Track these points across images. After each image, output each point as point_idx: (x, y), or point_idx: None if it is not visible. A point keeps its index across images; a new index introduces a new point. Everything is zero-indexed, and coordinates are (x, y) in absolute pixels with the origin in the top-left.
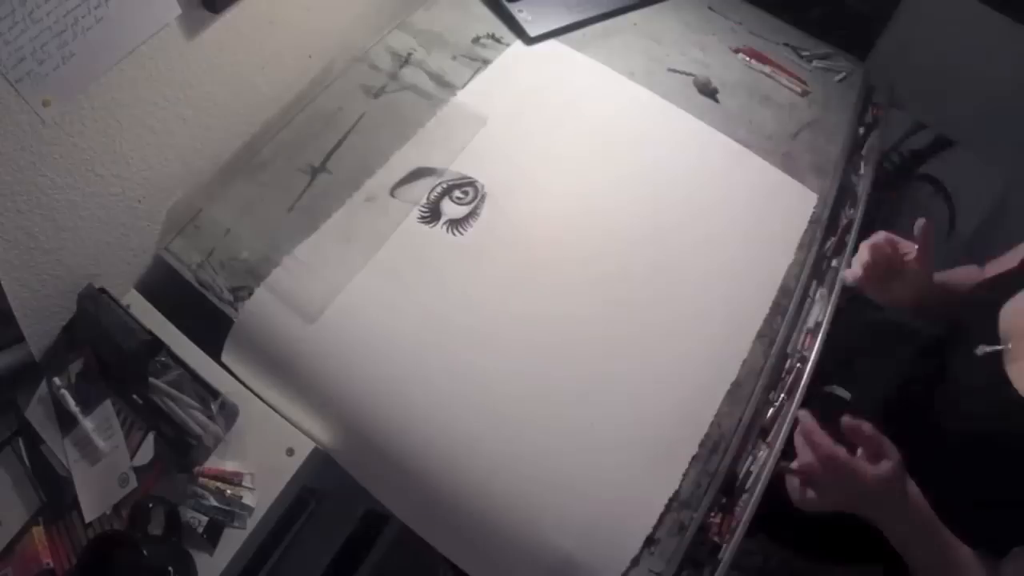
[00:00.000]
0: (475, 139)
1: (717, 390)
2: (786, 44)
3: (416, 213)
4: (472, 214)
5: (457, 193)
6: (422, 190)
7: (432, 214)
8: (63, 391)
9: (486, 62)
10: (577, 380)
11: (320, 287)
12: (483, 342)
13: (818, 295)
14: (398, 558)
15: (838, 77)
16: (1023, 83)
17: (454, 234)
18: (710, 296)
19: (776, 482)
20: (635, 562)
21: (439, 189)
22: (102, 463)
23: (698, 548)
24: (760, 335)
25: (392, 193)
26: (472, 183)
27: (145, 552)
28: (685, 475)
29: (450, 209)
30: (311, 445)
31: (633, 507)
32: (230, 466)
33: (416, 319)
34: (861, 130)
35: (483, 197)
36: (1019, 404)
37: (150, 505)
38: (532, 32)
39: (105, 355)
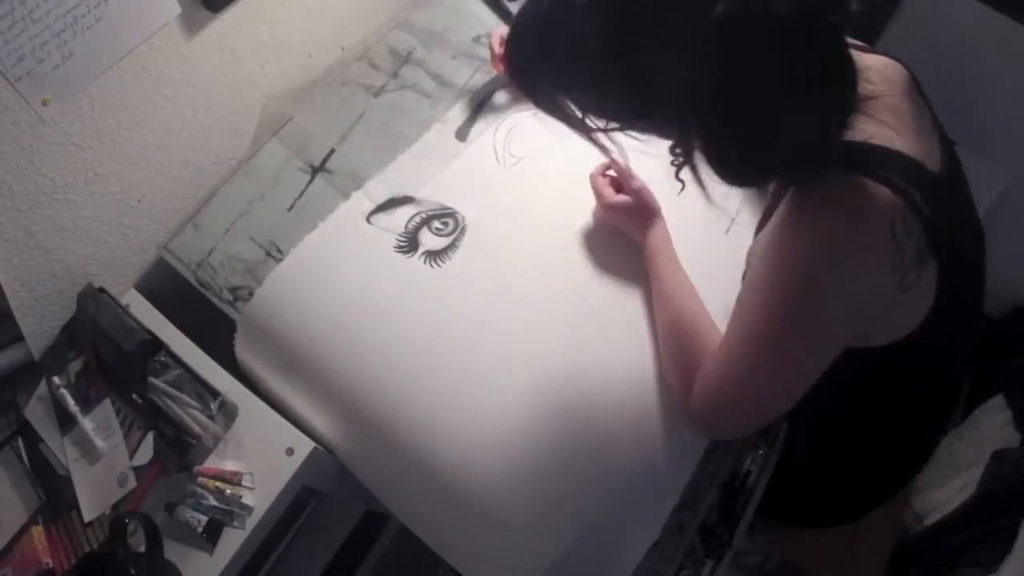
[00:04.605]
0: (457, 166)
1: None
2: None
3: (393, 242)
4: (451, 246)
5: (436, 224)
6: (400, 219)
7: (410, 244)
8: (62, 390)
9: (486, 61)
10: (572, 392)
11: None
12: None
13: None
14: (398, 558)
15: None
16: (1023, 83)
17: (432, 266)
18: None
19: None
20: (637, 570)
21: (418, 219)
22: (101, 463)
23: (698, 548)
24: None
25: (368, 220)
26: (452, 214)
27: (133, 571)
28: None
29: (429, 240)
30: (311, 445)
31: (635, 514)
32: (230, 466)
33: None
34: None
35: (463, 229)
36: None
37: (127, 521)
38: None
39: (104, 354)
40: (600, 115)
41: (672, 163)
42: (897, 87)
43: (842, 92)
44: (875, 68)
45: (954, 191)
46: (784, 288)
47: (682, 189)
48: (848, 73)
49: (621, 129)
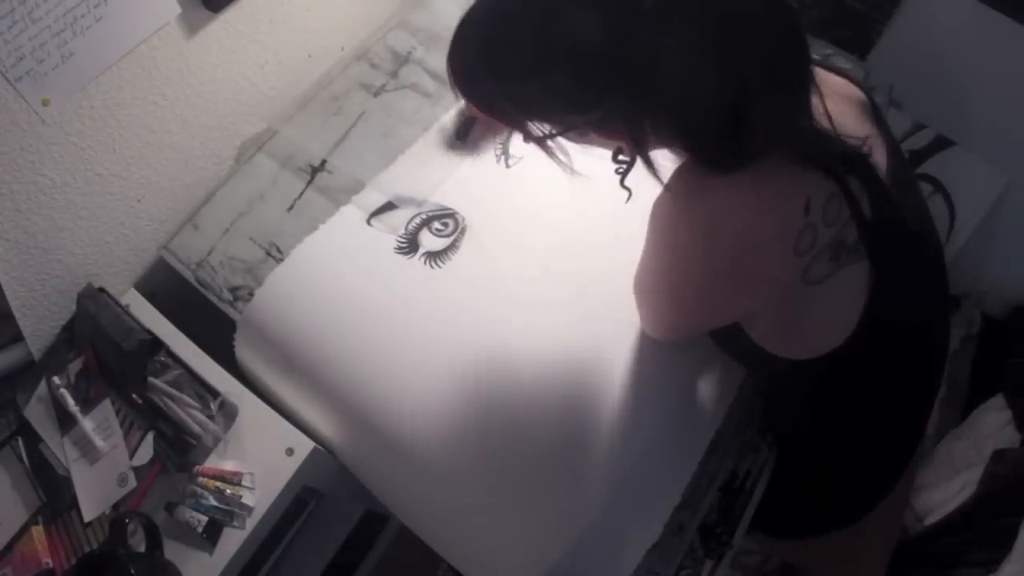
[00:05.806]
0: (457, 167)
1: (716, 402)
2: None
3: (393, 243)
4: (451, 247)
5: (436, 225)
6: (400, 220)
7: (410, 245)
8: (62, 390)
9: None
10: (574, 394)
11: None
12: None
13: None
14: (398, 558)
15: None
16: (1023, 83)
17: (432, 267)
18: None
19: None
20: (637, 570)
21: (418, 220)
22: (101, 462)
23: (698, 548)
24: None
25: (368, 222)
26: (452, 215)
27: (133, 571)
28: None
29: (429, 241)
30: (311, 445)
31: (635, 514)
32: (229, 466)
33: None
34: None
35: (463, 230)
36: None
37: (127, 521)
38: None
39: (104, 354)
40: (544, 117)
41: (616, 171)
42: (849, 103)
43: (800, 73)
44: (829, 83)
45: (900, 197)
46: (676, 222)
47: (629, 197)
48: (803, 53)
49: (562, 133)
